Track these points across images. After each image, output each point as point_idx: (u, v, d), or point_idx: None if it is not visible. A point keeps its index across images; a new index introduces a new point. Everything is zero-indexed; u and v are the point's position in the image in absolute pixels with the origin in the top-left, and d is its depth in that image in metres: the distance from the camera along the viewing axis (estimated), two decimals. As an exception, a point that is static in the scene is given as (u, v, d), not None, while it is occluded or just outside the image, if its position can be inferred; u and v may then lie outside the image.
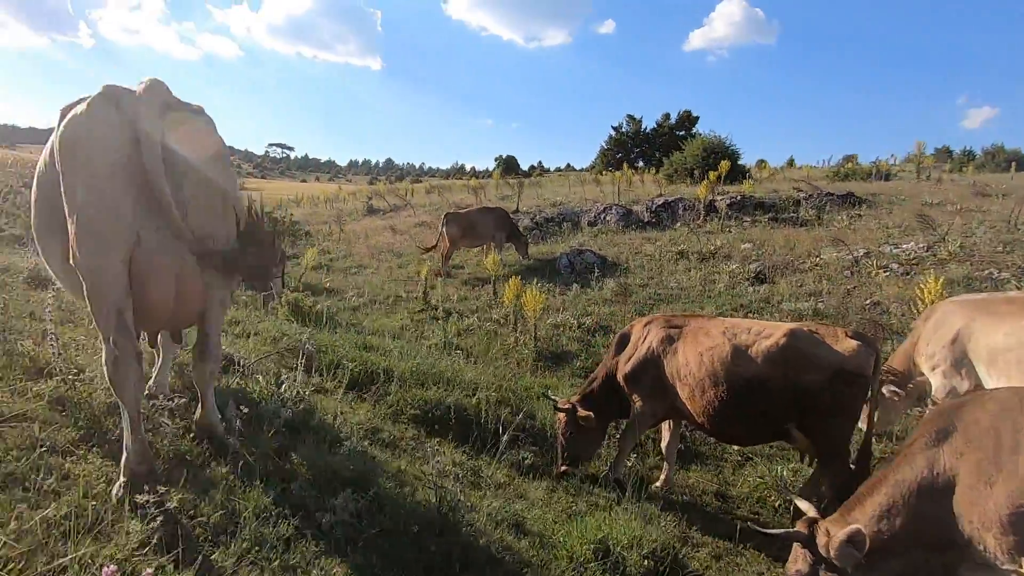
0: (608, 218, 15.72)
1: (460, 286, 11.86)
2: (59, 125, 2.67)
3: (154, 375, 3.90)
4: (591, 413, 4.52)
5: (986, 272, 8.27)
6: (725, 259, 11.28)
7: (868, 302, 8.15)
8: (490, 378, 6.13)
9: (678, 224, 14.88)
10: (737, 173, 23.68)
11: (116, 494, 2.66)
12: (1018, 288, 7.56)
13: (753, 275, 10.00)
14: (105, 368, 2.71)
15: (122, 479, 2.72)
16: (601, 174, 40.22)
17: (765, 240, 12.02)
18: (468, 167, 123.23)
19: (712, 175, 16.81)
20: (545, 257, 13.37)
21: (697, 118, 40.76)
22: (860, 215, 13.14)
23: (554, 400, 4.87)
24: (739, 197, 14.86)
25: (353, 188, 48.17)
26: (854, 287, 8.84)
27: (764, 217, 13.91)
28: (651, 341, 4.32)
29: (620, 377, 4.49)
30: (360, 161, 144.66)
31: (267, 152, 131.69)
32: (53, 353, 3.58)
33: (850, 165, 27.03)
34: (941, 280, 6.09)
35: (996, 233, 10.12)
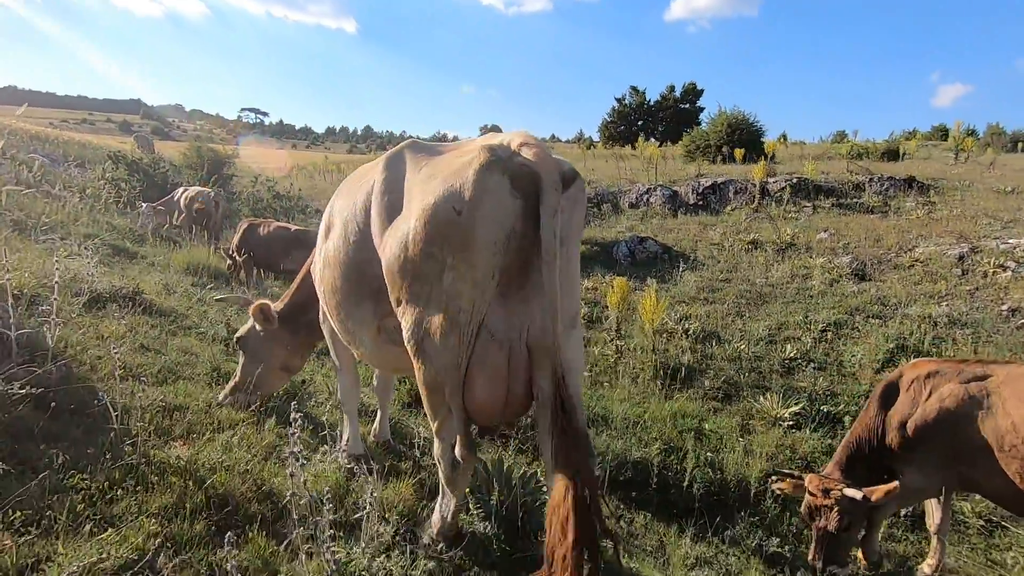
0: (652, 200, 14.69)
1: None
2: (411, 182, 2.36)
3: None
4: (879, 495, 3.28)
5: None
6: (805, 251, 10.41)
7: (1005, 308, 7.37)
8: (638, 411, 5.16)
9: (729, 208, 13.95)
10: (760, 151, 22.84)
11: None
12: None
13: (850, 272, 9.15)
14: (440, 464, 2.54)
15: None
16: (606, 147, 39.04)
17: (840, 229, 11.18)
18: (451, 136, 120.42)
19: (761, 164, 15.73)
20: (595, 241, 12.32)
21: (702, 91, 39.68)
22: (932, 203, 12.38)
23: (822, 487, 3.42)
24: (795, 180, 13.95)
25: (342, 157, 45.88)
26: (974, 289, 8.05)
27: (826, 202, 13.06)
28: (944, 399, 3.37)
29: (894, 441, 3.54)
30: (338, 128, 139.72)
31: (240, 117, 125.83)
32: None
33: (860, 143, 26.33)
34: None
35: None
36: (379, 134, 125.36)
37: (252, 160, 35.97)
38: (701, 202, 14.42)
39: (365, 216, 2.54)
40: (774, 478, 3.60)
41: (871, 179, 13.76)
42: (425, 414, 2.80)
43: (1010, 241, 9.20)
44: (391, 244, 2.30)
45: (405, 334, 2.32)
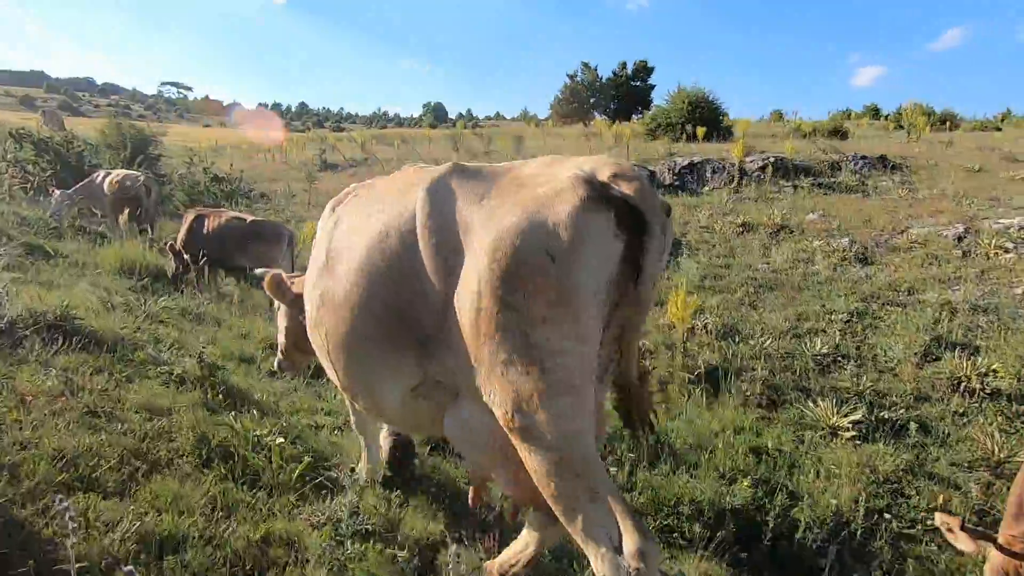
0: (629, 181, 14.06)
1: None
2: (471, 217, 1.89)
3: None
4: None
5: None
6: (799, 233, 10.07)
7: (1019, 292, 7.19)
8: (689, 429, 4.48)
9: (708, 188, 13.56)
10: (720, 129, 22.72)
11: None
12: None
13: (852, 255, 8.84)
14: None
15: None
16: (557, 125, 38.33)
17: (828, 210, 10.93)
18: (392, 113, 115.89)
19: (740, 143, 15.38)
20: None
21: (653, 69, 39.39)
22: (909, 182, 12.37)
23: None
24: (772, 159, 13.67)
25: (278, 136, 42.92)
26: (981, 272, 7.87)
27: (805, 182, 12.84)
28: None
29: None
30: (270, 104, 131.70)
31: (160, 92, 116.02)
32: None
33: (807, 122, 26.74)
34: None
35: None
36: (315, 111, 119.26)
37: (180, 139, 33.01)
38: (678, 182, 13.94)
39: (404, 252, 2.03)
40: (943, 519, 2.66)
41: (845, 158, 13.67)
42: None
43: (1001, 221, 9.15)
44: (462, 296, 1.85)
45: (499, 408, 1.83)
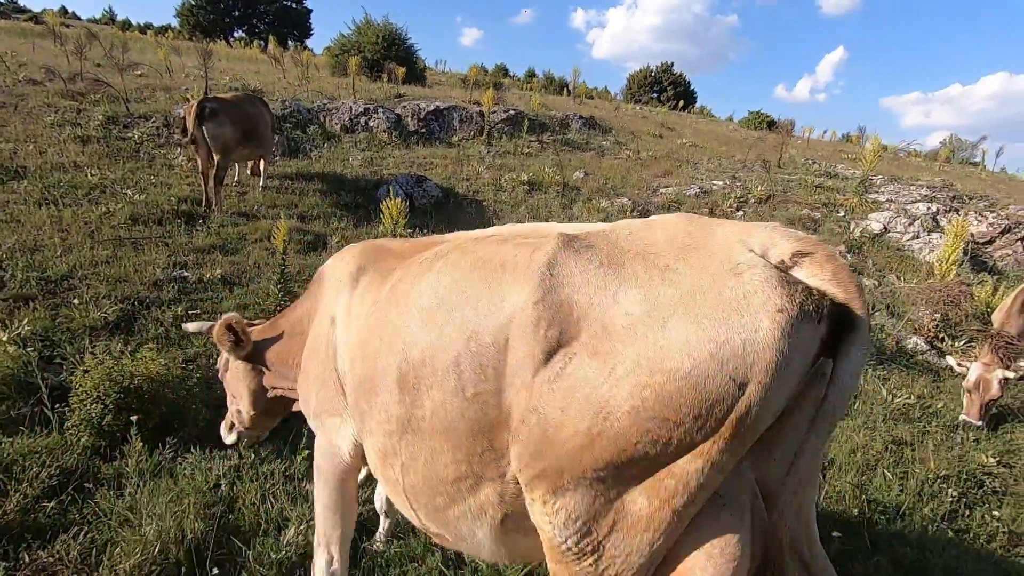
0: (372, 124, 11.85)
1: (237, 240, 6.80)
2: (610, 313, 1.41)
3: None
4: None
5: (804, 212, 10.06)
6: (577, 192, 10.18)
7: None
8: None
9: (456, 138, 12.57)
10: (415, 72, 21.69)
11: None
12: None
13: (640, 214, 9.38)
14: None
15: None
16: (191, 39, 30.39)
17: (588, 168, 11.43)
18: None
19: (490, 92, 14.56)
20: (340, 180, 9.10)
21: (308, -10, 34.68)
22: (621, 143, 14.00)
23: None
24: (513, 112, 13.51)
25: None
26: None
27: (549, 138, 13.18)
28: None
29: None
30: None
31: None
32: None
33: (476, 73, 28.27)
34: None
35: (759, 175, 12.37)
36: None
37: None
38: (424, 129, 12.50)
39: (499, 358, 1.55)
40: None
41: (569, 116, 14.61)
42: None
43: (716, 183, 11.15)
44: (573, 410, 1.40)
45: (564, 528, 1.49)
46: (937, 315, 6.77)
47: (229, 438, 3.06)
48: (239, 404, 2.90)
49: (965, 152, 29.71)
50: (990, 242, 9.42)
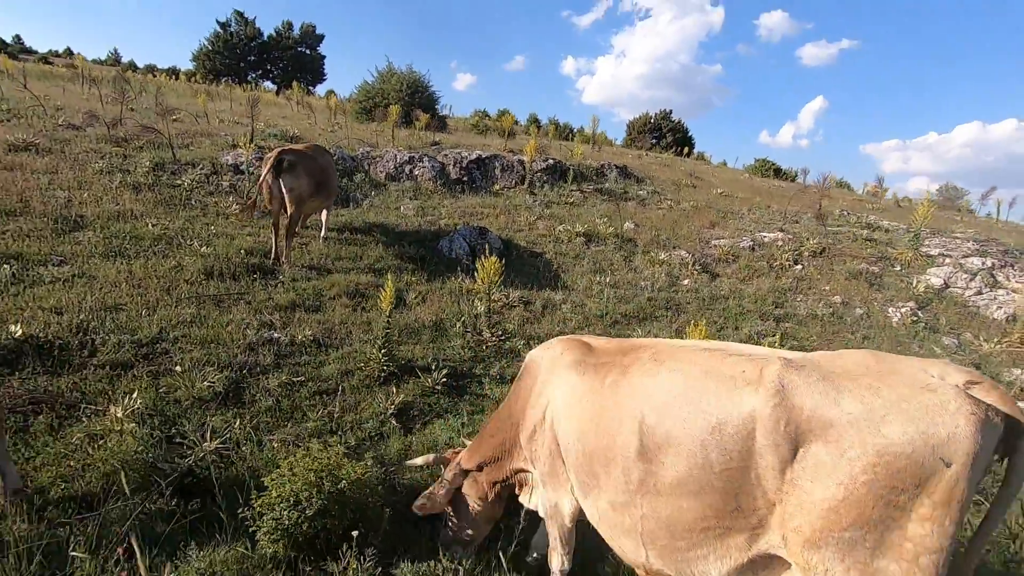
0: (417, 172, 11.76)
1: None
2: (830, 415, 1.96)
3: None
4: None
5: (862, 267, 9.97)
6: (632, 244, 10.04)
7: (838, 300, 8.63)
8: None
9: (498, 187, 12.50)
10: (437, 118, 21.91)
11: None
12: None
13: (701, 269, 9.22)
14: None
15: None
16: (211, 83, 30.76)
17: (636, 220, 11.34)
18: None
19: (533, 141, 14.63)
20: (396, 232, 8.89)
21: (322, 36, 35.32)
22: (657, 192, 14.01)
23: None
24: (551, 161, 13.51)
25: None
26: (796, 282, 9.22)
27: (588, 188, 13.15)
28: None
29: None
30: None
31: None
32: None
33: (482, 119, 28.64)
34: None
35: (807, 227, 12.41)
36: None
37: None
38: (466, 177, 12.42)
39: (743, 446, 2.08)
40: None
41: (604, 165, 14.65)
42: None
43: (766, 235, 11.08)
44: (824, 480, 1.91)
45: None
46: (1035, 378, 6.57)
47: (454, 555, 3.17)
48: (463, 519, 3.17)
49: (959, 199, 30.25)
50: (1052, 298, 9.34)
